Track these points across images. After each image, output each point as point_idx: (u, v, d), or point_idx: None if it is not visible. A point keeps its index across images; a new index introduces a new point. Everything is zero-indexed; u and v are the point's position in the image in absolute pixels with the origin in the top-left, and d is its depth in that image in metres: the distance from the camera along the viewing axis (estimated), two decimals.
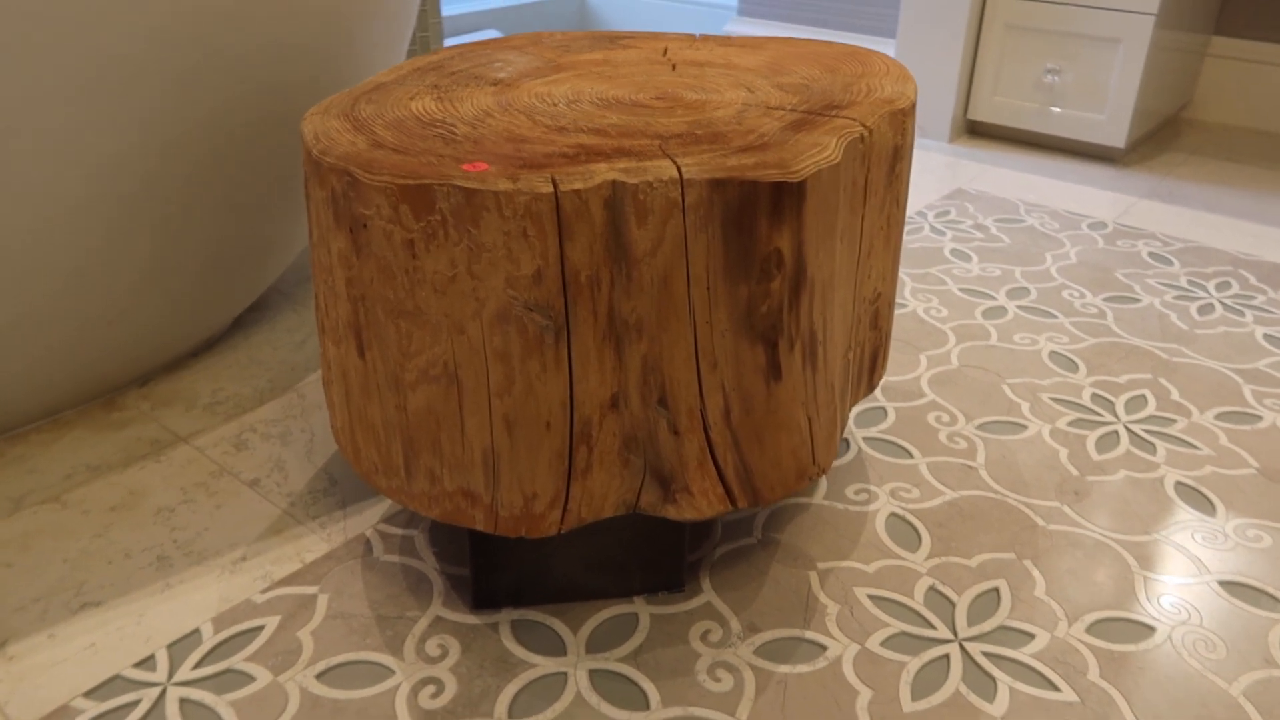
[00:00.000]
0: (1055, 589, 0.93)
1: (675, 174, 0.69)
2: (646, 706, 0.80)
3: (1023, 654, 0.86)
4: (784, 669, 0.84)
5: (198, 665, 0.84)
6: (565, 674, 0.83)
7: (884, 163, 0.85)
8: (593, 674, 0.83)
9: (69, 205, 0.98)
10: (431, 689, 0.82)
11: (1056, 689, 0.83)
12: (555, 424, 0.73)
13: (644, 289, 0.71)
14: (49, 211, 0.97)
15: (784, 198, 0.71)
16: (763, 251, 0.72)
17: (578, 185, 0.67)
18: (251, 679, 0.83)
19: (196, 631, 0.87)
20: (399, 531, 1.00)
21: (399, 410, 0.76)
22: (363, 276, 0.73)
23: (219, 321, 1.29)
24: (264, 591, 0.92)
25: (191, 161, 1.07)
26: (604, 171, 0.69)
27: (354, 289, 0.74)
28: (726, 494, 0.79)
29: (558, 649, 0.86)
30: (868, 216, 0.85)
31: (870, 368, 0.96)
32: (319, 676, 0.83)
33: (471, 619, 0.89)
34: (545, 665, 0.84)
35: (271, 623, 0.88)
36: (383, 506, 1.03)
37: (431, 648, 0.86)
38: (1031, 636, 0.88)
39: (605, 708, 0.80)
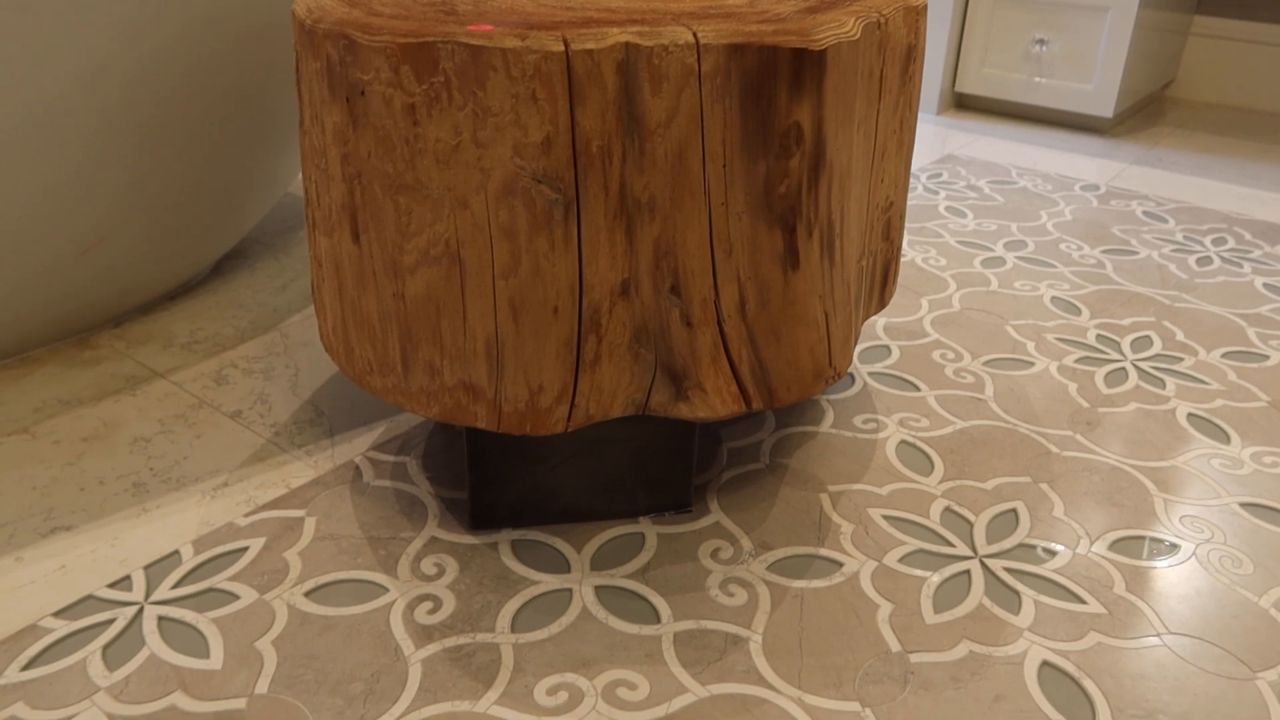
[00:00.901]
0: (1074, 510, 0.90)
1: (691, 39, 0.65)
2: (657, 620, 0.76)
3: (1046, 569, 0.83)
4: (799, 584, 0.80)
5: (177, 585, 0.79)
6: (570, 590, 0.79)
7: (899, 59, 0.82)
8: (599, 590, 0.79)
9: (47, 111, 0.93)
10: (429, 605, 0.77)
11: (1082, 601, 0.79)
12: (563, 310, 0.69)
13: (657, 164, 0.67)
14: (27, 117, 0.92)
15: (805, 67, 0.67)
16: (782, 125, 0.68)
17: (590, 45, 0.64)
18: (235, 597, 0.78)
19: (176, 553, 0.82)
20: (390, 458, 0.95)
21: (397, 299, 0.71)
22: (359, 151, 0.69)
23: (197, 264, 1.24)
24: (247, 515, 0.87)
25: (171, 80, 1.02)
26: (617, 34, 0.65)
27: (349, 166, 0.70)
28: (741, 393, 0.75)
29: (561, 566, 0.81)
30: (882, 114, 0.82)
31: (882, 281, 0.93)
32: (308, 594, 0.78)
33: (469, 539, 0.84)
34: (548, 582, 0.80)
35: (256, 544, 0.83)
36: (372, 435, 0.98)
37: (427, 566, 0.81)
38: (1053, 553, 0.85)
39: (614, 621, 0.76)
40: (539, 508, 0.85)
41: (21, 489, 0.90)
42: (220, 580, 0.79)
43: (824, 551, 0.84)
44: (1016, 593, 0.80)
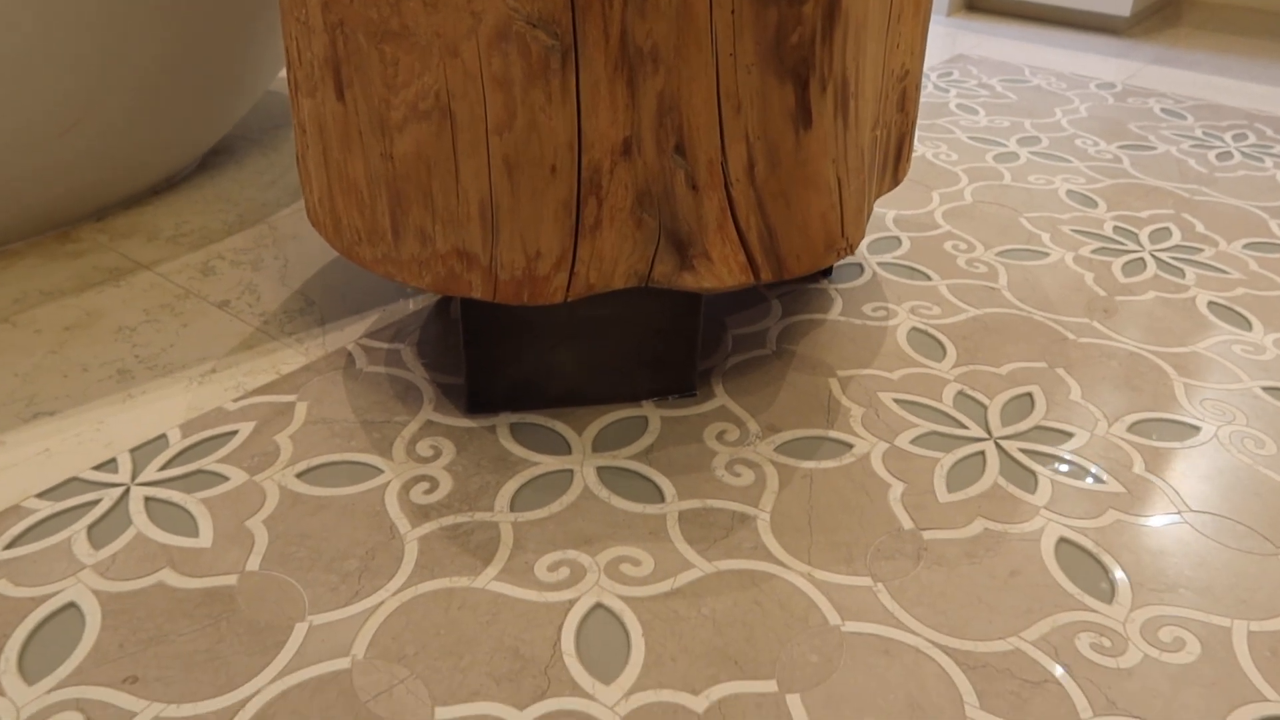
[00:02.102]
0: (1091, 394, 0.87)
1: None
2: (661, 499, 0.74)
3: (1062, 450, 0.80)
4: (809, 464, 0.77)
5: (165, 467, 0.76)
6: (571, 470, 0.76)
7: None
8: (601, 470, 0.76)
9: None
10: (425, 486, 0.75)
11: (1100, 481, 0.77)
12: (561, 169, 0.65)
13: (661, 8, 0.62)
14: None
15: None
16: None
17: None
18: (225, 479, 0.75)
19: (163, 437, 0.79)
20: (383, 345, 0.92)
21: (385, 159, 0.67)
22: None
23: (181, 156, 1.19)
24: (236, 400, 0.84)
25: None
26: None
27: (331, 14, 0.65)
28: (749, 262, 0.72)
29: (561, 448, 0.79)
30: None
31: (896, 156, 0.89)
32: (300, 476, 0.75)
33: (466, 422, 0.81)
34: (549, 463, 0.77)
35: (246, 428, 0.80)
36: (365, 323, 0.95)
37: (423, 449, 0.78)
38: (1070, 435, 0.82)
39: (616, 500, 0.73)
40: (538, 391, 0.82)
41: (3, 377, 0.87)
42: (209, 463, 0.77)
43: (833, 433, 0.81)
44: (1032, 473, 0.77)
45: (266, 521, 0.71)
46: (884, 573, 0.67)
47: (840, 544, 0.70)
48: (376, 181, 0.68)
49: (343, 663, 0.60)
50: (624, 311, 0.80)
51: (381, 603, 0.64)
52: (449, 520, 0.71)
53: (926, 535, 0.71)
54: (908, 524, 0.72)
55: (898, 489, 0.75)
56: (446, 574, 0.67)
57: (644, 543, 0.70)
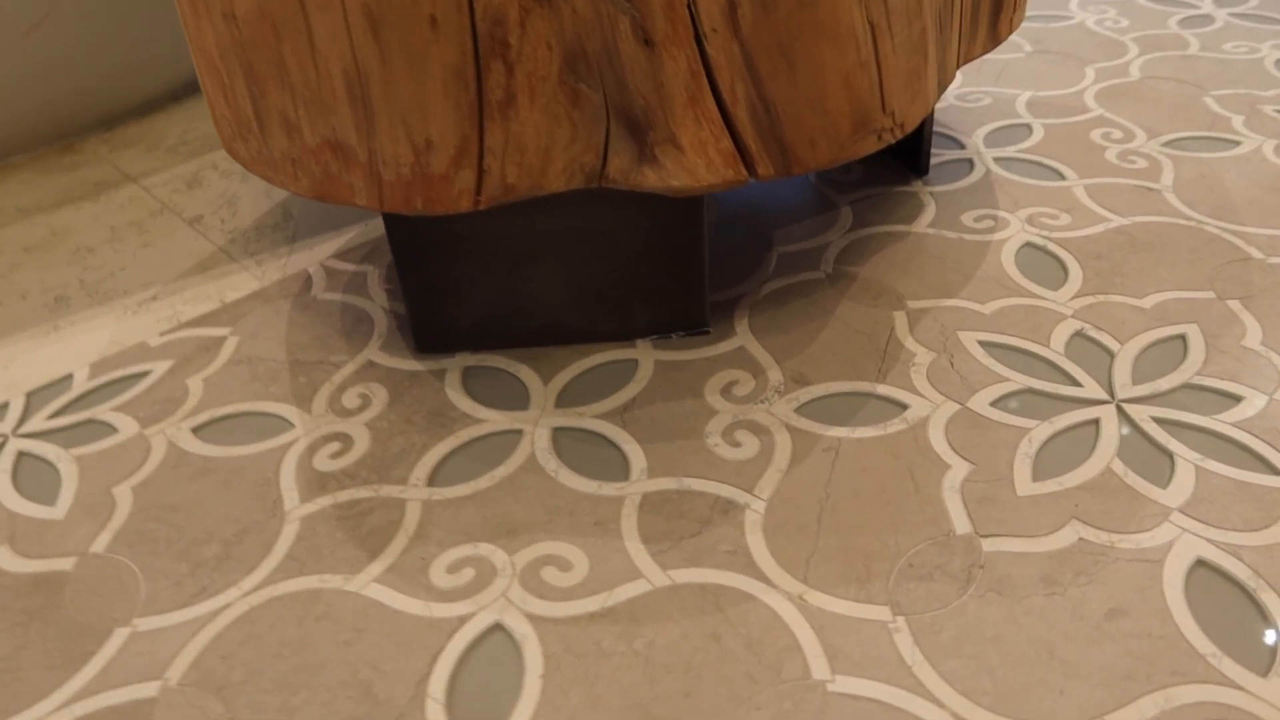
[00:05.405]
0: (1277, 337, 0.61)
1: None
2: (624, 476, 0.55)
3: (1220, 421, 0.55)
4: (837, 432, 0.57)
5: (55, 415, 0.64)
6: (520, 432, 0.59)
7: None
8: (557, 433, 0.58)
9: None
10: (335, 447, 0.59)
11: (1275, 470, 0.52)
12: (446, 21, 0.46)
13: None
14: None
15: None
16: None
17: None
18: (113, 430, 0.62)
19: (69, 378, 0.67)
20: (350, 267, 0.76)
21: (228, 21, 0.50)
22: None
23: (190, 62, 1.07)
24: (164, 334, 0.71)
25: None
26: None
27: None
28: (738, 151, 0.51)
29: (517, 401, 0.61)
30: None
31: (995, 4, 0.64)
32: (196, 430, 0.61)
33: (414, 365, 0.65)
34: (495, 421, 0.60)
35: (160, 368, 0.67)
36: (339, 241, 0.80)
37: (350, 398, 0.63)
38: (1236, 399, 0.57)
39: (565, 476, 0.55)
40: (508, 327, 0.65)
41: None
42: (103, 410, 0.64)
43: (883, 389, 0.59)
44: (1169, 454, 0.53)
45: (137, 488, 0.57)
46: (911, 601, 0.47)
47: (856, 553, 0.49)
48: (228, 53, 0.51)
49: (150, 688, 0.46)
50: (607, 223, 0.60)
51: (227, 606, 0.50)
52: (347, 495, 0.55)
53: (988, 545, 0.49)
54: (963, 526, 0.50)
55: (959, 472, 0.53)
56: (319, 569, 0.51)
57: (584, 537, 0.51)
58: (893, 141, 0.54)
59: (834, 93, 0.50)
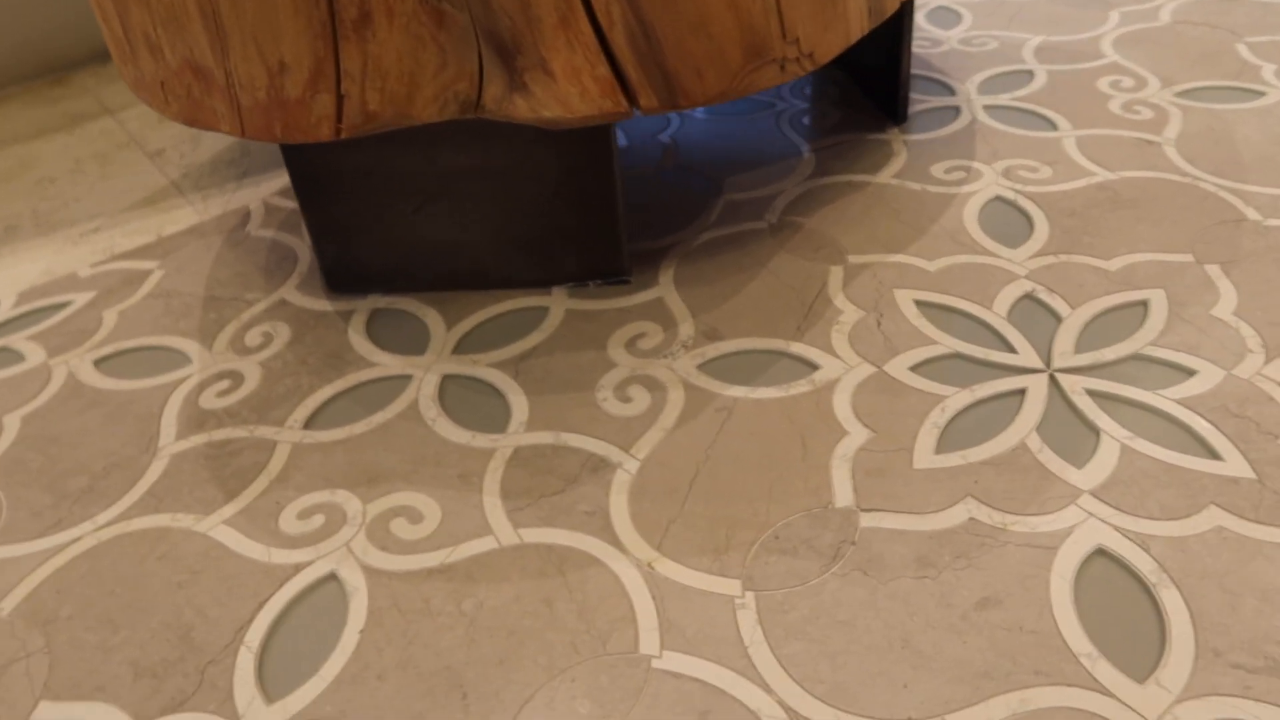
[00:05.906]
0: (1253, 307, 0.54)
1: None
2: (501, 428, 0.52)
3: (1162, 397, 0.49)
4: (735, 392, 0.52)
5: None
6: (409, 378, 0.56)
7: None
8: (446, 380, 0.56)
9: None
10: (224, 385, 0.57)
11: (1213, 454, 0.46)
12: None
13: None
14: None
15: None
16: None
17: None
18: (20, 359, 0.62)
19: None
20: (290, 205, 0.74)
21: None
22: None
23: None
24: (95, 265, 0.70)
25: None
26: None
27: None
28: (616, 79, 0.46)
29: (416, 346, 0.58)
30: None
31: None
32: (99, 362, 0.60)
33: (324, 305, 0.63)
34: (388, 366, 0.57)
35: (82, 299, 0.67)
36: (286, 177, 0.78)
37: (252, 336, 0.61)
38: (1189, 373, 0.51)
39: (442, 425, 0.53)
40: (423, 270, 0.62)
41: None
42: (17, 339, 0.63)
43: (797, 348, 0.55)
44: (1095, 430, 0.48)
45: (27, 417, 0.57)
46: (766, 577, 0.43)
47: (721, 522, 0.45)
48: None
49: None
50: (500, 161, 0.57)
51: (76, 539, 0.48)
52: (223, 434, 0.54)
53: (866, 521, 0.45)
54: (844, 499, 0.46)
55: (855, 440, 0.49)
56: (175, 508, 0.50)
57: (443, 489, 0.49)
58: (801, 74, 0.49)
59: (719, 15, 0.45)
